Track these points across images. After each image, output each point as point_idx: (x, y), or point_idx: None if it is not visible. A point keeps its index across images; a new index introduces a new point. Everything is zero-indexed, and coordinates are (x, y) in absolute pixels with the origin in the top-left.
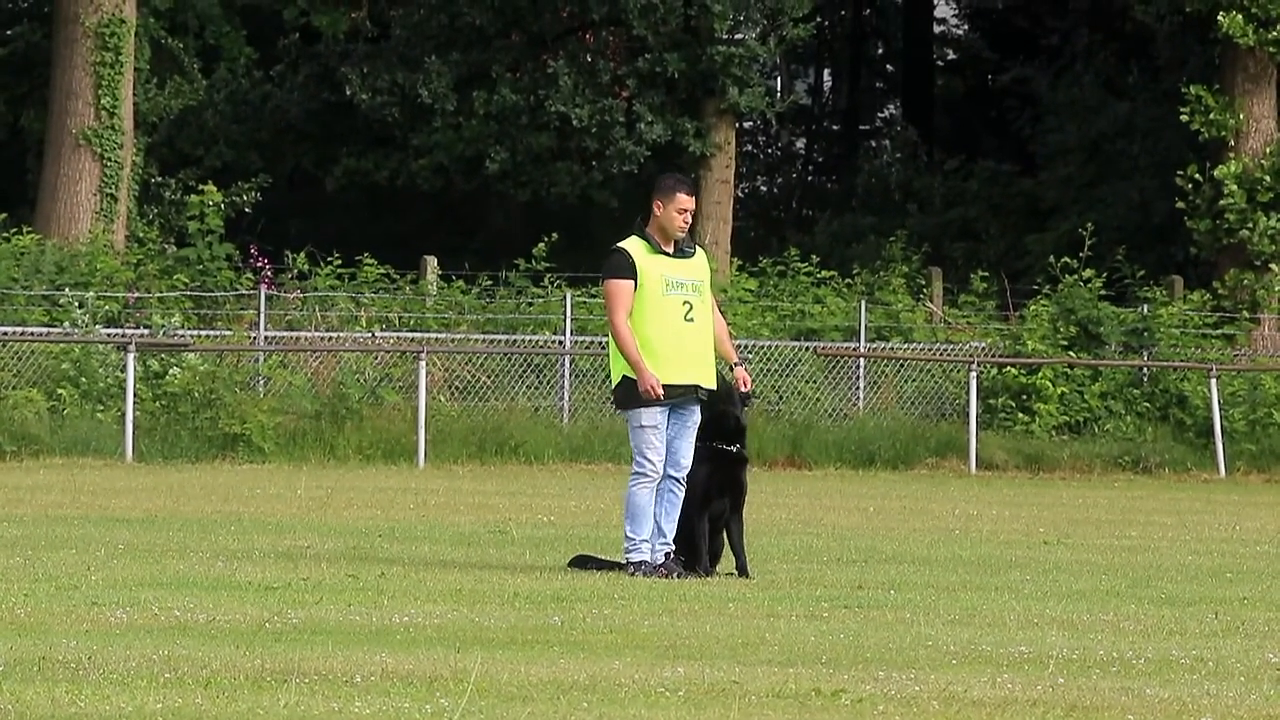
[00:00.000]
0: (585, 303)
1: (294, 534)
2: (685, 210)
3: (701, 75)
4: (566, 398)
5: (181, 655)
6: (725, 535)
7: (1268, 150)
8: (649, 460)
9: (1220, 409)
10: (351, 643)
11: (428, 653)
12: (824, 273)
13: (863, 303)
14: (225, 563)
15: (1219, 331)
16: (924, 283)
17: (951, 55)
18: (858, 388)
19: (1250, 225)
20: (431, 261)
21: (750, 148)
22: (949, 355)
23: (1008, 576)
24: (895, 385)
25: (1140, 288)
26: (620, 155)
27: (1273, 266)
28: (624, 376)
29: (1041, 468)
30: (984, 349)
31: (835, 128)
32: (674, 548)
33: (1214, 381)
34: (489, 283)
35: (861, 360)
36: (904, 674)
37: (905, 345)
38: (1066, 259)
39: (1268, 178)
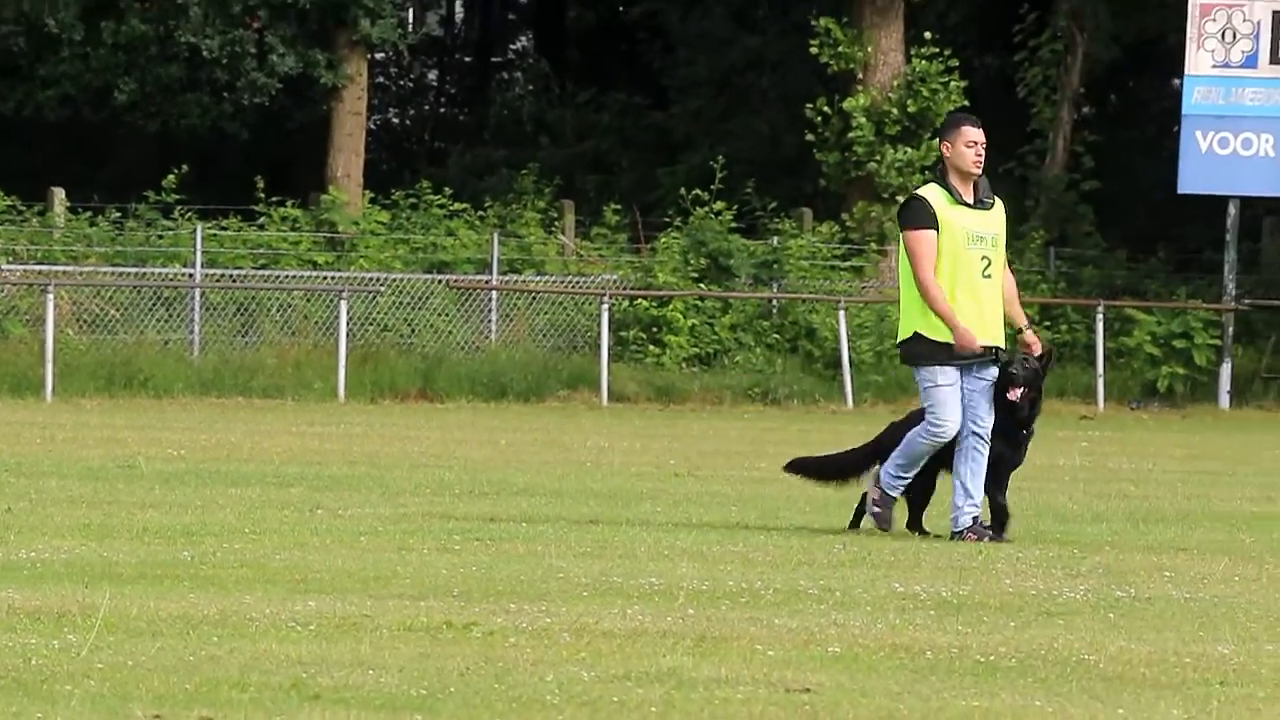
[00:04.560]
0: (216, 235)
1: None
2: (976, 143)
3: (333, 6)
4: (197, 331)
5: None
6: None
7: (895, 83)
8: (946, 420)
9: (848, 341)
10: None
11: (55, 588)
12: (456, 205)
13: (495, 235)
14: None
15: (847, 264)
16: (556, 215)
17: None
18: (490, 320)
19: (878, 158)
20: (59, 193)
21: (382, 79)
22: (581, 288)
23: (639, 508)
24: (527, 318)
25: (770, 220)
26: (251, 87)
27: (899, 199)
28: (915, 332)
29: (672, 399)
30: (615, 281)
31: (467, 59)
32: (979, 510)
33: (842, 313)
34: (118, 215)
35: (494, 293)
36: (535, 606)
37: (538, 278)
38: (698, 191)
39: (895, 110)
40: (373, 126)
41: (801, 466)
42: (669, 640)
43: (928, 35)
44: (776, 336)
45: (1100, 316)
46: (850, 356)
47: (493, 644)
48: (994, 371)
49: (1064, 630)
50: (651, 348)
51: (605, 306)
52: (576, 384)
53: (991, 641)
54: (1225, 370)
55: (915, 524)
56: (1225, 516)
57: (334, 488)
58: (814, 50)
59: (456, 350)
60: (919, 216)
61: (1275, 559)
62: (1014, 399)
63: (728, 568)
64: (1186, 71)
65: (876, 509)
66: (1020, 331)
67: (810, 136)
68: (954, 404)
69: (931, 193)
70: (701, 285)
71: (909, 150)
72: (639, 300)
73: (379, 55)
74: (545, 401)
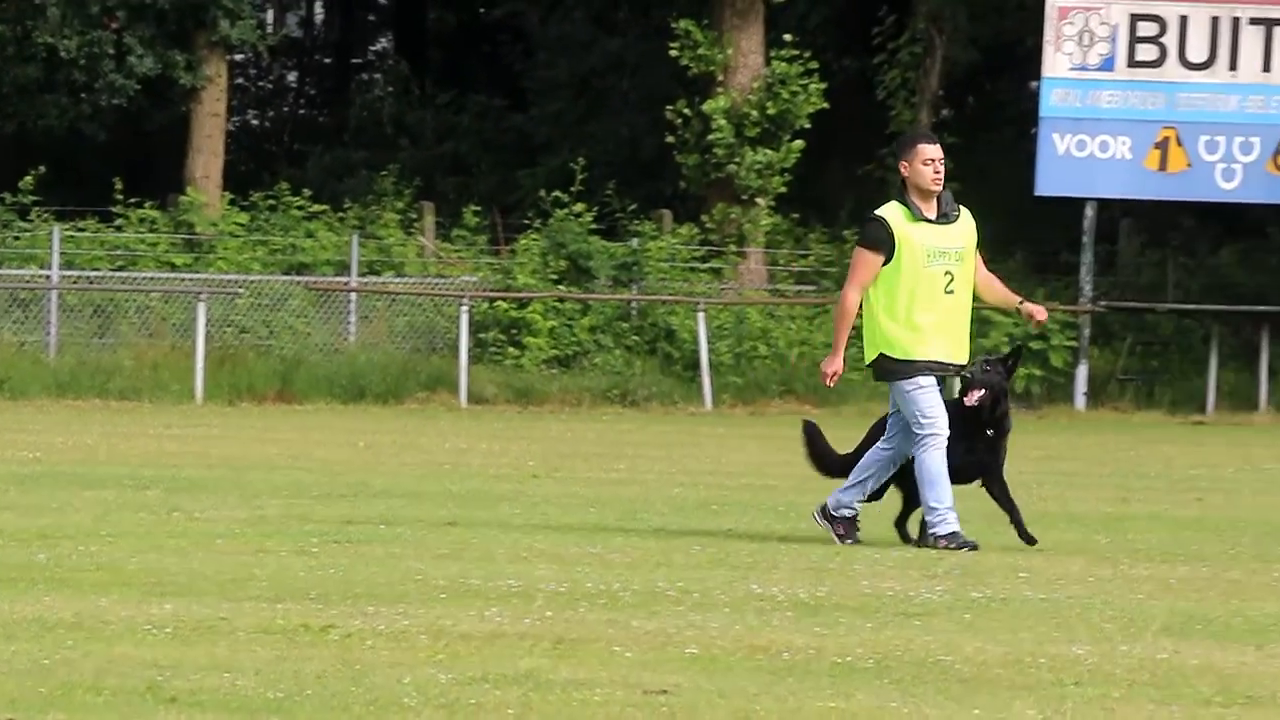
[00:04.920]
0: (73, 236)
1: None
2: (933, 160)
3: (192, 7)
4: (53, 333)
5: None
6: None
7: (755, 85)
8: (931, 419)
9: (707, 342)
10: None
11: None
12: (316, 206)
13: (355, 237)
14: None
15: (707, 265)
16: (416, 217)
17: None
18: (349, 322)
19: (738, 160)
20: None
21: (241, 81)
22: (440, 289)
23: (497, 510)
24: (387, 319)
25: (630, 222)
26: (109, 88)
27: (759, 201)
28: (880, 354)
29: (531, 401)
30: (475, 283)
31: (327, 61)
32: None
33: (701, 315)
34: None
35: (353, 295)
36: (393, 608)
37: (397, 280)
38: (557, 193)
39: (755, 112)
40: (232, 128)
41: (813, 437)
42: (527, 642)
43: (787, 37)
44: (635, 338)
45: None
46: (709, 358)
47: (350, 646)
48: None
49: (920, 631)
50: (511, 349)
51: (464, 308)
52: (435, 386)
53: (848, 643)
54: (1081, 372)
55: (902, 522)
56: (1081, 517)
57: (191, 490)
58: (674, 53)
59: (315, 352)
60: (869, 236)
61: (1130, 560)
62: (972, 403)
63: (586, 569)
64: (1044, 74)
65: (951, 546)
66: (1019, 307)
67: (670, 138)
68: (938, 401)
69: (891, 211)
70: (561, 287)
71: (769, 152)
72: (498, 302)
73: (238, 56)
74: (404, 403)
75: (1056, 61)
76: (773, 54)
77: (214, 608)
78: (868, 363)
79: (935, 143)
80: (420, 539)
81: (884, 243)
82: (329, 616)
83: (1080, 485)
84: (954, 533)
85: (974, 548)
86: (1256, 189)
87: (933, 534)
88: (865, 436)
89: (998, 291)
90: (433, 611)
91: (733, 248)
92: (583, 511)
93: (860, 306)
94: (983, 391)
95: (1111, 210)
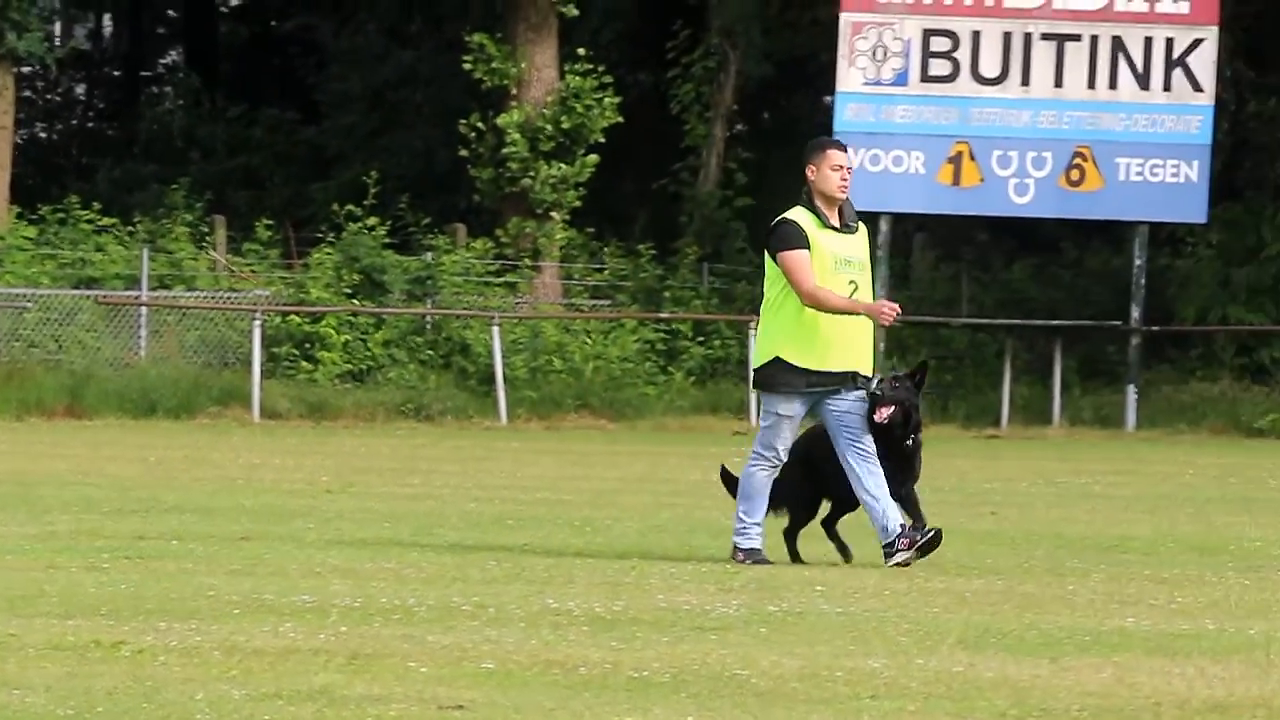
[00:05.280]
0: None
1: None
2: (841, 167)
3: None
4: None
5: None
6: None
7: (549, 99)
8: (775, 450)
9: (502, 357)
10: None
11: None
12: (105, 220)
13: (145, 250)
14: None
15: (501, 279)
16: (207, 230)
17: (235, 1)
18: (139, 337)
19: (532, 174)
20: None
21: (29, 93)
22: (233, 303)
23: (291, 525)
24: (178, 334)
25: (424, 236)
26: None
27: (554, 215)
28: (776, 357)
29: (325, 416)
30: (268, 297)
31: (116, 73)
32: (900, 515)
33: (496, 329)
34: None
35: (144, 309)
36: (185, 624)
37: (188, 294)
38: (351, 207)
39: (549, 126)
40: (19, 141)
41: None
42: (321, 658)
43: (581, 51)
44: (430, 353)
45: (752, 332)
46: (504, 373)
47: (142, 663)
48: (858, 394)
49: (717, 645)
50: (304, 364)
51: (257, 322)
52: (228, 401)
53: (645, 657)
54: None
55: (792, 537)
56: (875, 532)
57: None
58: (467, 66)
59: (105, 367)
60: (791, 238)
61: (925, 573)
62: (882, 419)
63: (380, 585)
64: (838, 89)
65: (746, 561)
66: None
67: (464, 152)
68: (788, 437)
69: (799, 215)
70: (355, 301)
71: (563, 166)
72: (291, 316)
73: (25, 69)
74: (196, 418)
75: (850, 76)
76: (567, 68)
77: (3, 624)
78: (758, 364)
79: (845, 150)
80: (213, 554)
81: (804, 240)
82: (120, 633)
83: None
84: (755, 549)
85: (767, 562)
86: (1049, 204)
87: (735, 543)
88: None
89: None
90: (226, 627)
91: (527, 262)
92: (377, 526)
93: (760, 308)
94: (892, 408)
95: (906, 225)
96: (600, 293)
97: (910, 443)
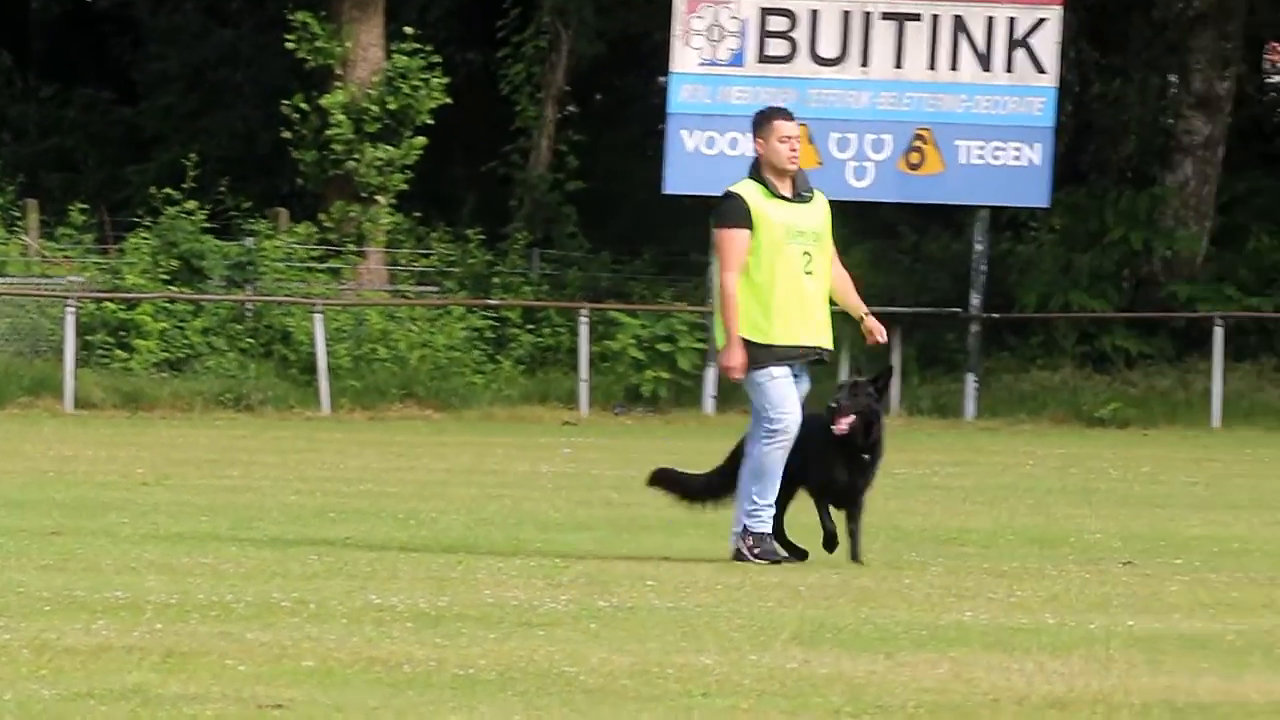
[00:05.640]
0: None
1: None
2: (790, 138)
3: None
4: None
5: None
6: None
7: (375, 79)
8: (784, 414)
9: (325, 345)
10: None
11: None
12: None
13: None
14: None
15: (325, 265)
16: (19, 215)
17: None
18: None
19: (357, 156)
20: None
21: None
22: (45, 290)
23: (104, 519)
24: None
25: (245, 220)
26: None
27: (379, 199)
28: (742, 339)
29: (141, 406)
30: (81, 283)
31: None
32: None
33: (319, 317)
34: None
35: None
36: None
37: None
38: (169, 190)
39: (375, 108)
40: None
41: (667, 482)
42: (135, 656)
43: (408, 30)
44: (250, 341)
45: (584, 319)
46: (327, 361)
47: None
48: (808, 381)
49: (545, 641)
50: (119, 352)
51: (70, 310)
52: (39, 390)
53: (471, 654)
54: (710, 375)
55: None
56: (707, 524)
57: None
58: (290, 45)
59: None
60: (731, 215)
61: (758, 567)
62: (842, 431)
63: (197, 580)
64: (672, 69)
65: (757, 550)
66: (862, 320)
67: (287, 134)
68: (792, 397)
69: (747, 189)
70: (172, 287)
71: (389, 149)
72: (106, 303)
73: None
74: (5, 409)
75: (685, 56)
76: (393, 47)
77: None
78: (721, 347)
79: (793, 120)
80: (23, 549)
81: (746, 218)
82: None
83: None
84: (764, 534)
85: (777, 561)
86: (888, 188)
87: (744, 525)
88: (729, 456)
89: (848, 297)
90: (35, 625)
91: (352, 247)
92: (194, 520)
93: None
94: (852, 418)
95: None
96: (427, 279)
97: (868, 456)
